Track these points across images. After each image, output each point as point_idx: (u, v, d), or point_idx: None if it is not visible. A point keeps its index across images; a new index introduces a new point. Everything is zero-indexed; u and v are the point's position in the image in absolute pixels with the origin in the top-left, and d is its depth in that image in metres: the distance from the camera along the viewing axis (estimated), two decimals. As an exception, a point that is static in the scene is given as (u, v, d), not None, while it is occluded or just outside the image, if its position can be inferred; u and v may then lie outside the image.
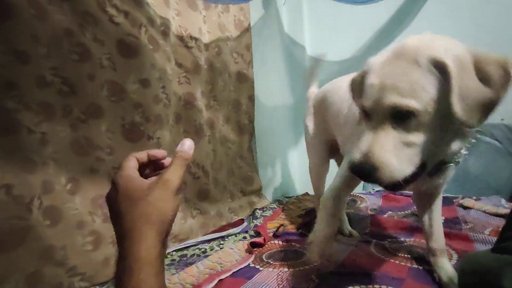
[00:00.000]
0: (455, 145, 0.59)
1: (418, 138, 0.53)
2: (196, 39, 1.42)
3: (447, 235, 1.05)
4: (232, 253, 1.15)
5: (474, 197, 1.40)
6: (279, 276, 0.91)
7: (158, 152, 0.50)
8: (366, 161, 0.53)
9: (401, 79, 0.52)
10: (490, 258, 0.53)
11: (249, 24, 1.75)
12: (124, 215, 0.42)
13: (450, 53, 0.52)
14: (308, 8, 2.15)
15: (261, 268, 0.98)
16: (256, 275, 0.94)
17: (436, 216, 0.85)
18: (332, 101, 1.05)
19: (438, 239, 0.85)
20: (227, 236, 1.35)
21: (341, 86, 1.00)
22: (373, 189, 1.82)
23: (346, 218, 1.27)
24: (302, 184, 2.11)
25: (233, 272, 0.97)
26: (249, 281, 0.90)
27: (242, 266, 1.01)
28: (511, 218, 0.59)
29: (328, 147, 1.18)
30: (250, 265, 1.02)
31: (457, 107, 0.50)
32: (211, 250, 1.21)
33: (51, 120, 0.95)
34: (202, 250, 1.21)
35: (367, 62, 0.61)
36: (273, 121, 2.00)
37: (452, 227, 1.16)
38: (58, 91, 0.97)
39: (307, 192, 1.88)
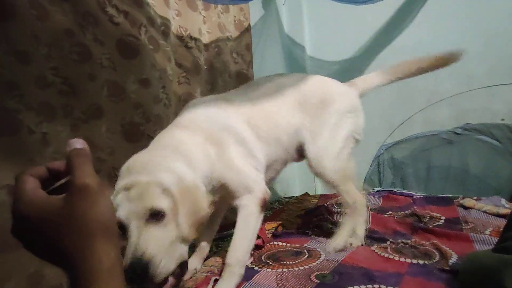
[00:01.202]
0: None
1: (174, 234, 0.65)
2: (196, 40, 1.42)
3: (447, 235, 1.06)
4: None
5: (475, 197, 1.40)
6: (279, 277, 0.91)
7: (58, 164, 0.42)
8: (139, 259, 0.58)
9: (146, 192, 0.65)
10: (491, 258, 0.53)
11: (249, 24, 1.75)
12: (52, 246, 0.35)
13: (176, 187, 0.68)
14: (308, 8, 2.15)
15: (260, 269, 0.98)
16: (255, 276, 0.93)
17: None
18: None
19: (234, 250, 0.86)
20: (226, 237, 1.35)
21: None
22: (373, 189, 1.82)
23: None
24: (302, 184, 2.11)
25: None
26: (248, 282, 0.90)
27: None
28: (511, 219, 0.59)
29: None
30: (249, 266, 1.02)
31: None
32: (210, 251, 1.21)
33: (52, 120, 0.95)
34: (202, 250, 1.20)
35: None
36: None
37: (453, 227, 1.16)
38: (58, 91, 0.97)
39: (307, 192, 1.88)
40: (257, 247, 1.15)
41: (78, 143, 0.42)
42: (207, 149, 0.84)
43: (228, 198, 0.89)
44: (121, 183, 0.68)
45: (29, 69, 0.89)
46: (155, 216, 0.63)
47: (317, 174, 1.05)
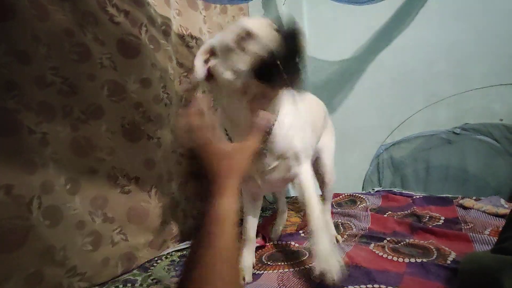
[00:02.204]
0: None
1: None
2: (197, 39, 1.42)
3: (447, 235, 1.07)
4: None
5: (474, 197, 1.41)
6: (280, 277, 0.91)
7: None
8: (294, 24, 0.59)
9: None
10: (489, 259, 0.54)
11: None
12: (211, 167, 0.52)
13: None
14: (308, 8, 2.15)
15: (261, 270, 0.98)
16: (256, 277, 0.94)
17: (307, 197, 0.88)
18: None
19: (313, 220, 0.85)
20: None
21: None
22: (373, 189, 1.83)
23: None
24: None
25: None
26: (249, 285, 0.90)
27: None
28: (511, 219, 0.60)
29: None
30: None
31: None
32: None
33: (52, 120, 0.95)
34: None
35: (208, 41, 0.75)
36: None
37: (452, 227, 1.16)
38: (58, 91, 0.97)
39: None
40: (259, 247, 1.16)
41: (260, 117, 0.61)
42: None
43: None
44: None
45: (28, 69, 0.89)
46: None
47: (326, 180, 1.22)
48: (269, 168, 0.85)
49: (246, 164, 0.55)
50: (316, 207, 0.86)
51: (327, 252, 0.78)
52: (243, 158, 0.55)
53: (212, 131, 0.55)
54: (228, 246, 0.45)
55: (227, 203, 0.49)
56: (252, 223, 1.03)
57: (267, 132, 0.78)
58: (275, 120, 0.80)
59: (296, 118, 0.87)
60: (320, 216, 0.85)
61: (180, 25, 1.36)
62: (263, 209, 1.69)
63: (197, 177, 0.54)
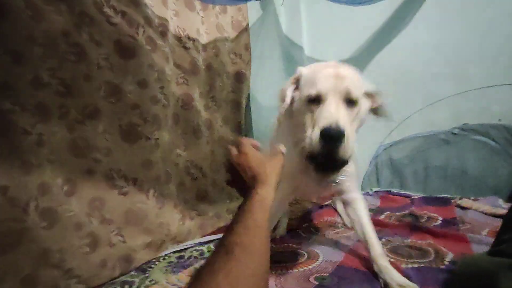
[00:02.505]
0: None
1: (354, 126, 0.71)
2: (194, 40, 1.42)
3: (444, 235, 1.06)
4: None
5: (472, 198, 1.40)
6: (277, 279, 0.91)
7: (256, 143, 0.76)
8: (339, 127, 0.63)
9: (351, 77, 0.74)
10: (487, 261, 0.53)
11: (247, 24, 1.75)
12: (254, 169, 0.66)
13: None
14: (306, 9, 2.15)
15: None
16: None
17: (365, 223, 0.90)
18: None
19: (374, 245, 0.87)
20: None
21: None
22: (371, 189, 1.83)
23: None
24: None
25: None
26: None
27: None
28: (507, 221, 0.59)
29: None
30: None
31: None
32: (208, 251, 1.20)
33: (48, 121, 0.94)
34: (200, 251, 1.20)
35: (299, 71, 0.83)
36: (271, 121, 2.00)
37: (450, 227, 1.16)
38: (54, 92, 0.96)
39: (305, 193, 1.88)
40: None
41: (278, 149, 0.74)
42: None
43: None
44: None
45: (24, 70, 0.88)
46: (350, 101, 0.70)
47: None
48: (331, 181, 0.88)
49: (280, 170, 0.68)
50: (374, 232, 0.89)
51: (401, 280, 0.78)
52: (278, 166, 0.69)
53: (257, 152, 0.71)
54: (262, 225, 0.55)
55: (267, 191, 0.61)
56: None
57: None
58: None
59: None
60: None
61: (177, 26, 1.36)
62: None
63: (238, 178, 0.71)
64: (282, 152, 0.73)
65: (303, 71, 0.81)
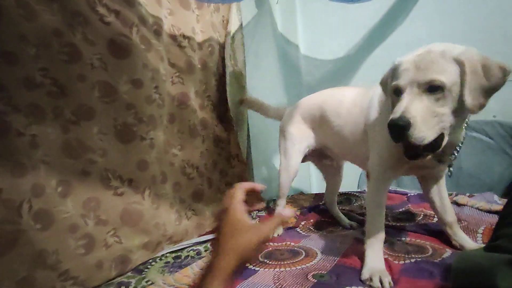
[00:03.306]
0: (462, 133, 0.81)
1: (442, 110, 0.70)
2: (189, 39, 1.41)
3: (441, 233, 1.07)
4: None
5: (468, 194, 1.41)
6: (276, 276, 0.91)
7: (258, 186, 0.63)
8: (402, 118, 0.67)
9: (433, 64, 0.71)
10: (483, 257, 0.53)
11: (241, 24, 1.74)
12: (223, 236, 0.54)
13: (467, 56, 0.71)
14: (301, 7, 2.15)
15: (257, 268, 0.98)
16: (253, 275, 0.93)
17: (444, 194, 1.03)
18: (333, 113, 1.17)
19: (451, 213, 1.01)
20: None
21: (342, 101, 1.15)
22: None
23: (341, 213, 1.39)
24: (297, 184, 2.11)
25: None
26: (245, 281, 0.90)
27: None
28: (503, 216, 0.59)
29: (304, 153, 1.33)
30: (246, 264, 1.02)
31: (468, 97, 0.69)
32: (205, 251, 1.20)
33: (41, 122, 0.93)
34: (196, 251, 1.20)
35: (395, 61, 0.81)
36: (268, 120, 1.99)
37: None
38: (48, 92, 0.95)
39: (301, 192, 1.88)
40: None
41: (287, 212, 0.62)
42: None
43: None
44: (416, 51, 0.76)
45: (16, 70, 0.87)
46: (434, 88, 0.69)
47: None
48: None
49: (253, 251, 0.53)
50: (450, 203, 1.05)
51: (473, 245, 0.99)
52: (251, 243, 0.52)
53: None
54: None
55: (224, 268, 0.50)
56: None
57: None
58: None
59: None
60: None
61: (172, 24, 1.35)
62: (258, 209, 1.69)
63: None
64: (284, 219, 0.61)
65: (397, 61, 0.81)
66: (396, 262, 0.93)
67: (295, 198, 1.78)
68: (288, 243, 1.18)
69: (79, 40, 1.01)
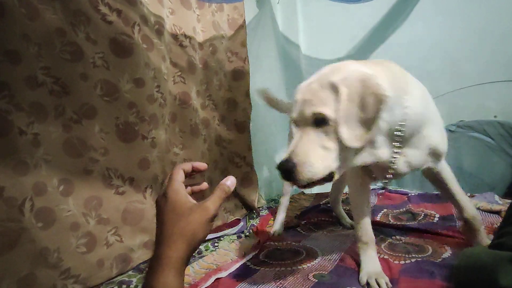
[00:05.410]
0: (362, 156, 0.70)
1: (332, 144, 0.64)
2: (190, 38, 1.41)
3: (442, 232, 1.07)
4: (228, 253, 1.14)
5: (469, 194, 1.41)
6: (277, 275, 0.91)
7: (200, 165, 0.59)
8: (288, 161, 0.63)
9: (314, 94, 0.66)
10: (486, 254, 0.53)
11: (244, 21, 1.74)
12: (166, 223, 0.50)
13: (345, 83, 0.64)
14: (302, 7, 2.15)
15: (258, 268, 0.98)
16: (253, 275, 0.93)
17: (453, 187, 0.93)
18: None
19: (467, 209, 0.92)
20: (222, 236, 1.34)
21: None
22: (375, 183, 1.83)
23: (344, 212, 1.37)
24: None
25: (230, 272, 0.96)
26: (246, 280, 0.90)
27: (239, 264, 1.01)
28: (508, 214, 0.60)
29: None
30: (247, 264, 1.02)
31: (342, 128, 0.63)
32: (206, 250, 1.20)
33: (43, 120, 0.94)
34: (198, 251, 1.20)
35: (298, 87, 0.73)
36: (269, 119, 2.00)
37: (447, 224, 1.17)
38: (50, 91, 0.96)
39: (303, 192, 1.88)
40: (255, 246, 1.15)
41: (230, 181, 0.56)
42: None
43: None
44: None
45: (19, 69, 0.87)
46: (319, 121, 0.64)
47: None
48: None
49: (202, 231, 0.50)
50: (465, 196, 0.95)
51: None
52: (199, 223, 0.50)
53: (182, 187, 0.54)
54: None
55: (174, 256, 0.47)
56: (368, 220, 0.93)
57: None
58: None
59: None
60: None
61: (173, 24, 1.35)
62: (259, 209, 1.69)
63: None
64: (228, 190, 0.56)
65: (299, 86, 0.76)
66: (396, 262, 0.93)
67: (296, 198, 1.78)
68: (289, 242, 1.18)
69: (81, 39, 1.01)
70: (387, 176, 0.78)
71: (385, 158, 0.72)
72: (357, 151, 0.68)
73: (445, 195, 0.97)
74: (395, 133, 0.70)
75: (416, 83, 0.82)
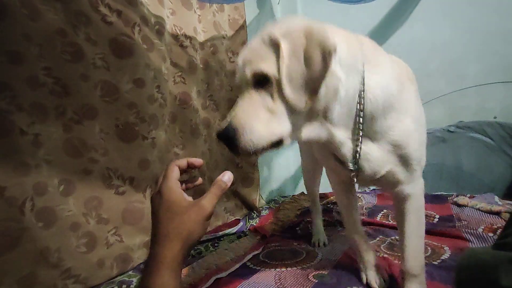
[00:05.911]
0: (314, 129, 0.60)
1: (278, 107, 0.56)
2: (191, 38, 1.41)
3: (441, 233, 1.07)
4: (228, 253, 1.15)
5: (468, 195, 1.41)
6: (277, 276, 0.91)
7: (196, 161, 0.57)
8: (227, 128, 0.55)
9: (254, 52, 0.58)
10: (488, 254, 0.53)
11: (245, 21, 1.74)
12: (161, 222, 0.49)
13: (288, 36, 0.55)
14: (303, 7, 2.15)
15: (258, 268, 0.98)
16: (253, 275, 0.94)
17: (409, 229, 0.75)
18: None
19: (410, 261, 0.74)
20: (222, 236, 1.35)
21: None
22: (368, 188, 1.83)
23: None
24: (297, 184, 2.12)
25: (230, 272, 0.97)
26: (246, 280, 0.90)
27: (239, 264, 1.01)
28: (514, 214, 0.59)
29: None
30: (247, 264, 1.02)
31: (287, 89, 0.54)
32: (206, 250, 1.20)
33: (44, 121, 0.94)
34: (198, 250, 1.20)
35: None
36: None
37: (447, 225, 1.17)
38: (51, 91, 0.96)
39: (303, 192, 1.88)
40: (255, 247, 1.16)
41: (226, 177, 0.55)
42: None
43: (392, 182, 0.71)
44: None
45: (20, 69, 0.88)
46: (260, 82, 0.56)
47: None
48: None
49: (198, 230, 0.49)
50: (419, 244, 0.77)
51: None
52: (195, 222, 0.49)
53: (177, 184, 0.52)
54: None
55: (170, 256, 0.46)
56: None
57: None
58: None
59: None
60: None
61: (174, 24, 1.35)
62: (259, 209, 1.69)
63: None
64: (225, 187, 0.55)
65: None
66: (396, 262, 0.93)
67: (296, 198, 1.78)
68: (289, 243, 1.18)
69: (82, 39, 1.02)
70: (351, 175, 0.66)
71: (340, 138, 0.62)
72: (309, 118, 0.59)
73: (399, 232, 0.78)
74: (357, 107, 0.60)
75: (390, 61, 0.68)
